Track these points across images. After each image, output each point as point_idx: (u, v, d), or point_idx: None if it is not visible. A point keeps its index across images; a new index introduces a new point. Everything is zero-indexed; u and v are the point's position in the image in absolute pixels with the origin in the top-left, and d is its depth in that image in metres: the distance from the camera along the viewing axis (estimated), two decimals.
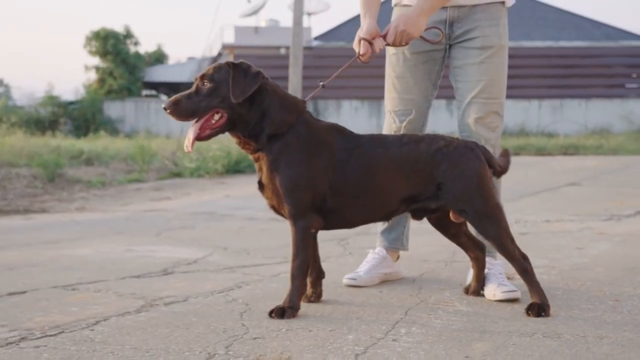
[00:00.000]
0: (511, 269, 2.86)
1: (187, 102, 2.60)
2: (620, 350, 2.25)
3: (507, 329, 2.50)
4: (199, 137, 2.63)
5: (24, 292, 3.11)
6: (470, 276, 3.14)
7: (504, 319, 2.63)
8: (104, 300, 2.96)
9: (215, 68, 2.63)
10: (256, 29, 28.35)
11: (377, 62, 3.25)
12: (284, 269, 3.65)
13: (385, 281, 3.29)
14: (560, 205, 6.83)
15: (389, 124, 3.25)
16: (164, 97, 33.19)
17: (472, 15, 3.09)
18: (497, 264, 3.06)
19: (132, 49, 29.51)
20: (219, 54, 29.16)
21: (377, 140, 2.77)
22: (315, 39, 27.51)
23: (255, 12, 28.15)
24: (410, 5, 3.14)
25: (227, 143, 11.08)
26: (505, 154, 2.91)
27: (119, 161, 11.83)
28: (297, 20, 12.25)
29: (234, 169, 10.86)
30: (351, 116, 25.09)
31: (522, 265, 2.72)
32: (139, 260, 3.96)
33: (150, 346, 2.29)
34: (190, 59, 35.41)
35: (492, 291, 2.93)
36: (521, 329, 2.49)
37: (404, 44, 2.97)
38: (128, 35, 29.22)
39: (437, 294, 3.06)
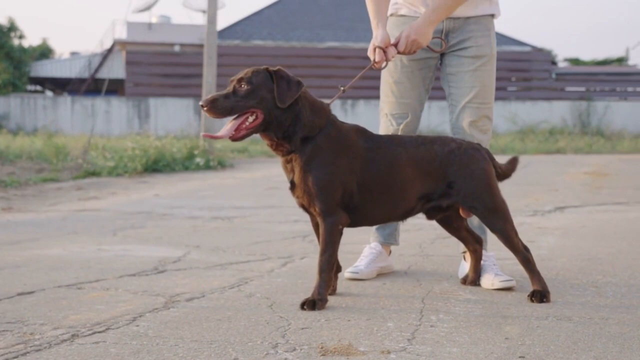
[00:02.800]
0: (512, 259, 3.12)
1: (224, 101, 2.70)
2: (629, 329, 2.55)
3: (522, 313, 2.75)
4: (233, 137, 2.74)
5: (32, 292, 3.09)
6: (462, 268, 3.39)
7: (514, 305, 2.89)
8: (123, 298, 2.99)
9: (253, 72, 2.75)
10: (149, 25, 27.87)
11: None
12: (275, 265, 3.78)
13: (381, 274, 3.49)
14: None
15: (386, 127, 3.45)
16: (49, 93, 31.97)
17: (466, 27, 3.34)
18: (490, 256, 3.32)
19: (17, 42, 28.25)
20: (110, 50, 28.42)
21: (396, 141, 2.97)
22: None
23: (148, 7, 27.68)
24: (405, 16, 3.37)
25: (142, 142, 10.94)
26: (514, 162, 3.17)
27: (26, 160, 11.42)
28: (212, 19, 12.20)
29: (152, 167, 10.75)
30: None
31: (524, 255, 3.00)
32: (122, 259, 3.96)
33: (209, 339, 2.38)
34: (74, 54, 34.29)
35: (489, 281, 3.19)
36: (534, 314, 2.75)
37: (412, 52, 3.18)
38: (12, 27, 27.94)
39: (438, 284, 3.29)
